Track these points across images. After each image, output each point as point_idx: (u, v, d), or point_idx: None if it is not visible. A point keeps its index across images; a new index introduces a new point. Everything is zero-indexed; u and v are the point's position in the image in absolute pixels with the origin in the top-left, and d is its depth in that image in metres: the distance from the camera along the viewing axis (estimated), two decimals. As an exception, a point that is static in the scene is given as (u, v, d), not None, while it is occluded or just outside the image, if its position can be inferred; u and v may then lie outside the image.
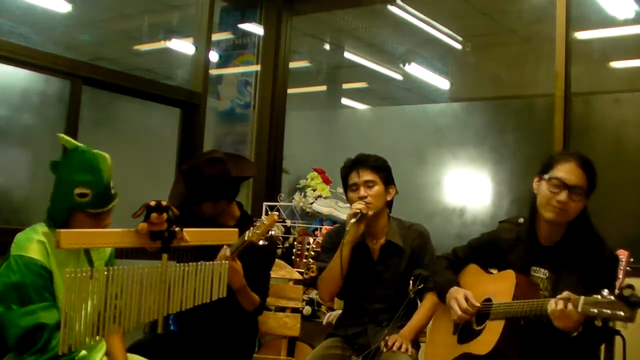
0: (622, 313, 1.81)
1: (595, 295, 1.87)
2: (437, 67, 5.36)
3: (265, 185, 4.70)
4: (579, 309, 1.88)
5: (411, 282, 2.63)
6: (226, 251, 2.54)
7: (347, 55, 5.76)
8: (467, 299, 2.30)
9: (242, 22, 5.00)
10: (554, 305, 1.95)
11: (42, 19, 4.45)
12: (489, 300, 2.28)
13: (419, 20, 4.97)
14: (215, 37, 4.78)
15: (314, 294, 3.83)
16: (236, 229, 2.14)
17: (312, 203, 3.97)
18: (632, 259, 2.13)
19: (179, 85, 4.60)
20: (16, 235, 2.16)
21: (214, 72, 4.92)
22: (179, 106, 4.43)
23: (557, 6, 3.83)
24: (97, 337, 1.85)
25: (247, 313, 2.76)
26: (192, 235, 1.99)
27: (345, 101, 6.08)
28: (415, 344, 2.65)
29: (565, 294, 1.95)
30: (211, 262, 1.99)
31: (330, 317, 3.58)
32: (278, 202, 4.22)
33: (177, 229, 1.93)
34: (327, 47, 5.93)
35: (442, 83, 5.36)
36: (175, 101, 4.37)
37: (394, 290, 2.70)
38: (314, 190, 4.01)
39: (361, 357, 2.54)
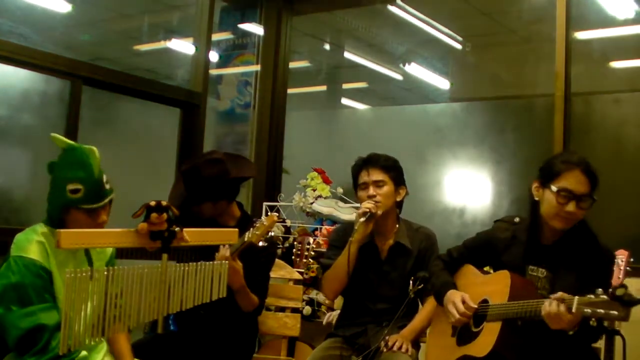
0: (615, 312, 1.82)
1: (589, 295, 1.88)
2: (437, 67, 5.35)
3: (265, 185, 4.70)
4: (573, 309, 1.89)
5: (411, 282, 2.64)
6: (226, 251, 2.54)
7: (347, 55, 5.75)
8: (464, 302, 2.30)
9: (242, 22, 5.00)
10: (547, 306, 1.96)
11: (42, 19, 4.44)
12: (485, 301, 2.28)
13: (419, 20, 4.96)
14: (215, 37, 4.78)
15: (314, 294, 3.83)
16: (236, 229, 2.15)
17: (312, 203, 3.96)
18: (632, 259, 2.12)
19: (179, 85, 4.60)
20: (16, 235, 2.16)
21: (214, 72, 4.92)
22: (179, 106, 4.43)
23: (557, 6, 3.83)
24: (98, 339, 1.85)
25: (247, 313, 2.76)
26: (192, 235, 1.99)
27: (345, 101, 6.08)
28: (416, 344, 2.65)
29: (559, 294, 1.96)
30: (211, 262, 1.99)
31: (330, 317, 3.58)
32: (278, 202, 4.22)
33: (177, 229, 1.94)
34: (327, 47, 5.92)
35: (442, 83, 5.36)
36: (175, 101, 4.37)
37: (399, 291, 2.70)
38: (314, 190, 4.00)
39: (361, 357, 2.54)
